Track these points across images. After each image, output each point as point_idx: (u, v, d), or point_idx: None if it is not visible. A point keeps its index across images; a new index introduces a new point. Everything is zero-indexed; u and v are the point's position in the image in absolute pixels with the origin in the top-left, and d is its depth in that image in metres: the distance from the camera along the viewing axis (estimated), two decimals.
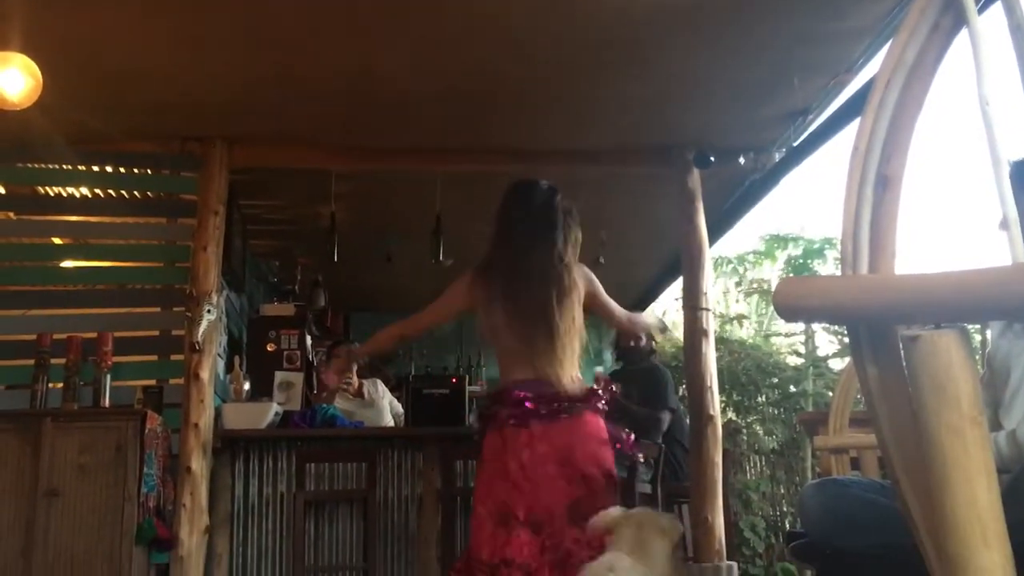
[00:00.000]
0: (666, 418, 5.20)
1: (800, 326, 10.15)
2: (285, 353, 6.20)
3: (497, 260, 3.38)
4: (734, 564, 4.88)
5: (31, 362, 4.61)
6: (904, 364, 0.79)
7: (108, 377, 4.61)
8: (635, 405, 5.16)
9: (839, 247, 0.86)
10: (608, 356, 8.26)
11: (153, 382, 5.10)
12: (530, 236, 3.33)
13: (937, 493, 0.76)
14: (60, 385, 4.58)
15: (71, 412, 4.48)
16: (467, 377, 6.22)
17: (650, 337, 5.58)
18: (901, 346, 0.82)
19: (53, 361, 4.60)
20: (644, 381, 5.28)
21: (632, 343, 5.46)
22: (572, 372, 3.22)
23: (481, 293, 3.35)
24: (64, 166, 5.35)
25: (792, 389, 9.10)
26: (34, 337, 4.67)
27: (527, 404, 3.11)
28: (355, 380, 5.72)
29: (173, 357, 5.15)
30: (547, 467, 3.07)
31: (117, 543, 4.24)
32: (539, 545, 2.98)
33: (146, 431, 4.41)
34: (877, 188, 0.84)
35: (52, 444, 4.30)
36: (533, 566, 2.93)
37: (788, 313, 0.83)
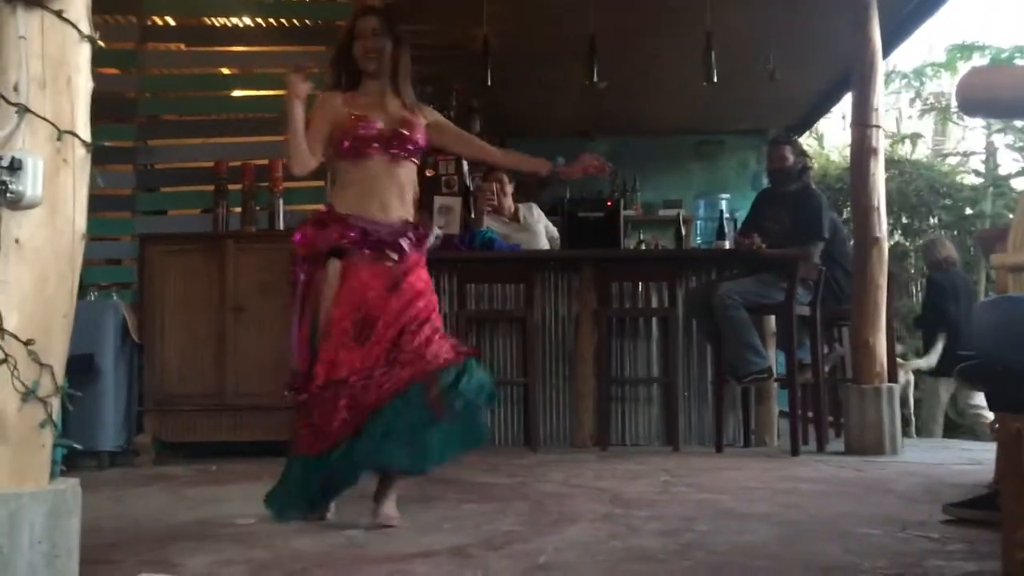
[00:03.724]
0: (815, 250, 4.99)
1: (981, 144, 9.49)
2: (443, 178, 6.31)
3: None
4: (895, 386, 4.81)
5: (211, 188, 4.92)
6: None
7: (281, 201, 4.87)
8: (780, 239, 4.98)
9: None
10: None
11: (321, 207, 5.35)
12: None
13: None
14: (238, 210, 4.88)
15: (250, 234, 4.81)
16: (621, 200, 6.20)
17: (803, 153, 5.31)
18: None
19: (230, 187, 4.89)
20: (795, 204, 5.08)
21: (776, 165, 5.22)
22: None
23: None
24: None
25: (968, 211, 8.61)
26: (212, 164, 4.96)
27: None
28: (510, 204, 5.79)
29: None
30: None
31: None
32: None
33: None
34: None
35: (235, 264, 4.65)
36: None
37: (973, 106, 0.78)
